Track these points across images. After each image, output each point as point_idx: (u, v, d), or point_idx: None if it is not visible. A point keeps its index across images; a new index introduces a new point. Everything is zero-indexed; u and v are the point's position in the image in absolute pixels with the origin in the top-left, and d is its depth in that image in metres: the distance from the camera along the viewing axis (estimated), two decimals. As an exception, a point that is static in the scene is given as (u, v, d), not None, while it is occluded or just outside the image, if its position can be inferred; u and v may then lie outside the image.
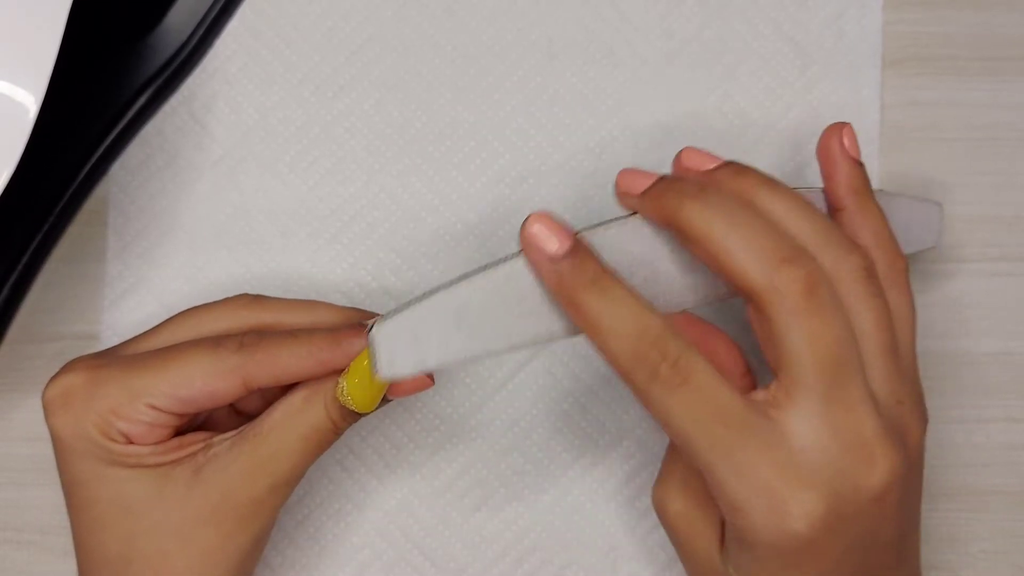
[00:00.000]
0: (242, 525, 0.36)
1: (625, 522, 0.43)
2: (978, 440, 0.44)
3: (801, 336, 0.31)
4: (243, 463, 0.36)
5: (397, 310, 0.33)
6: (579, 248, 0.33)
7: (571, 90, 0.44)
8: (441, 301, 0.33)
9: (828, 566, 0.32)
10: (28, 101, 0.37)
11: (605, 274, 0.32)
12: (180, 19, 0.43)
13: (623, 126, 0.44)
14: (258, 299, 0.38)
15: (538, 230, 0.33)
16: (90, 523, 0.36)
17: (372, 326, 0.34)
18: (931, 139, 0.44)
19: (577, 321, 0.33)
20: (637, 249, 0.34)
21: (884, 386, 0.32)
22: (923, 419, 0.34)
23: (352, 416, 0.36)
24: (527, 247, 0.33)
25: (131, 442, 0.36)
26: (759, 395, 0.32)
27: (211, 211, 0.44)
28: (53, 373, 0.43)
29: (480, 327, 0.33)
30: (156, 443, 0.36)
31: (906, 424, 0.33)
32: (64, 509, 0.37)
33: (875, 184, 0.43)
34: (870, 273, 0.33)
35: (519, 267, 0.33)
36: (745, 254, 0.31)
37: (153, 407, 0.35)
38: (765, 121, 0.44)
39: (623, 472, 0.43)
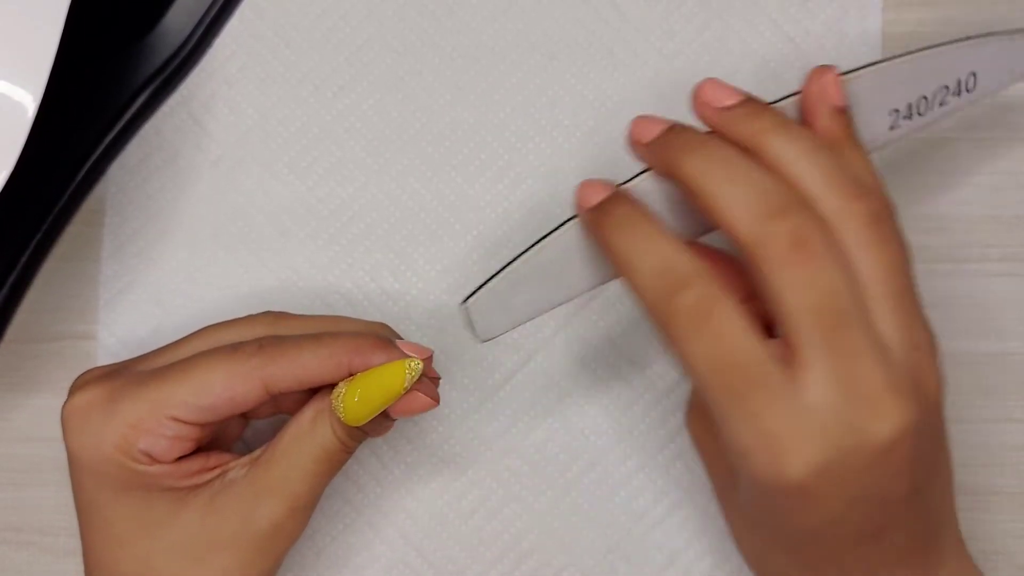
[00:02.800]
0: (261, 552, 0.36)
1: (623, 524, 0.43)
2: (978, 440, 0.43)
3: (790, 289, 0.31)
4: (257, 489, 0.36)
5: (483, 283, 0.35)
6: (612, 195, 0.34)
7: (571, 91, 0.44)
8: (519, 268, 0.35)
9: (830, 516, 0.31)
10: (27, 100, 0.37)
11: (634, 213, 0.33)
12: (179, 19, 0.43)
13: (623, 127, 0.44)
14: (281, 316, 0.38)
15: (582, 188, 0.34)
16: (106, 541, 0.36)
17: (464, 300, 0.35)
18: (931, 139, 0.44)
19: (611, 261, 0.33)
20: (661, 196, 0.35)
21: (897, 332, 0.31)
22: (938, 365, 0.33)
23: (358, 435, 0.36)
24: (576, 205, 0.35)
25: (154, 460, 0.35)
26: (776, 343, 0.31)
27: (209, 211, 0.44)
28: (52, 373, 0.43)
29: (552, 282, 0.36)
30: (178, 459, 0.36)
31: (924, 371, 0.32)
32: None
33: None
34: (877, 218, 0.32)
35: (573, 228, 0.35)
36: (735, 208, 0.31)
37: (175, 419, 0.35)
38: (765, 122, 0.44)
39: (620, 474, 0.43)
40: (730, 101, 0.34)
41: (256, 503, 0.36)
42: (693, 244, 0.35)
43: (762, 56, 0.44)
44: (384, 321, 0.43)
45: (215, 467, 0.37)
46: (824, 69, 0.36)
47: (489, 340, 0.36)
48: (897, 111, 0.37)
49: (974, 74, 0.38)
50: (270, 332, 0.37)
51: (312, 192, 0.44)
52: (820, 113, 0.35)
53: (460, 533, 0.43)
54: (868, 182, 0.34)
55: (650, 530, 0.43)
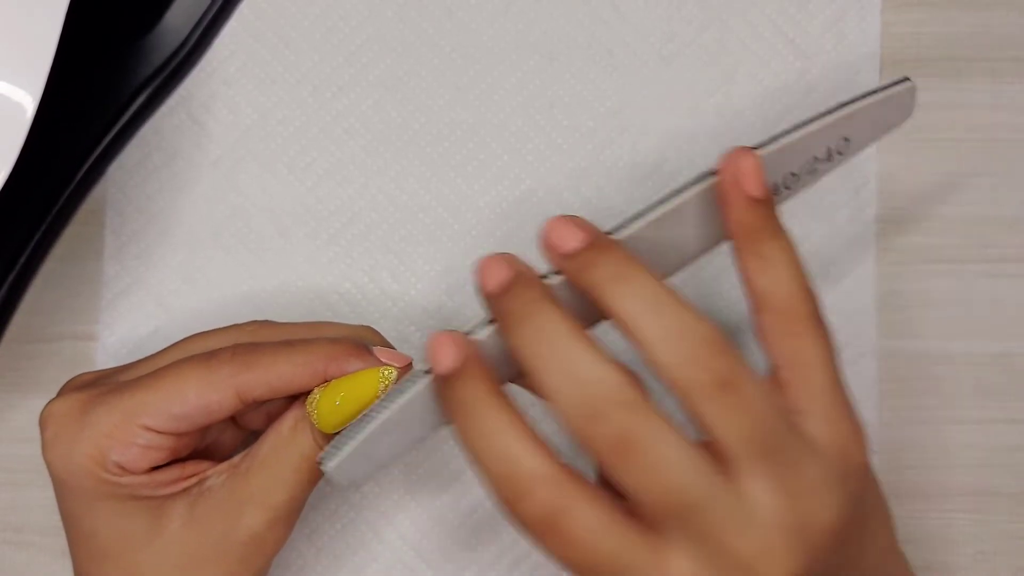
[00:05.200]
0: (244, 563, 0.35)
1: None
2: (977, 441, 0.43)
3: (631, 488, 0.30)
4: (238, 499, 0.35)
5: (342, 440, 0.33)
6: (466, 371, 0.31)
7: (570, 92, 0.44)
8: (381, 424, 0.33)
9: None
10: (26, 101, 0.37)
11: (485, 399, 0.31)
12: (179, 19, 0.43)
13: (622, 128, 0.44)
14: (266, 324, 0.38)
15: (437, 342, 0.31)
16: (92, 554, 0.36)
17: (322, 461, 0.33)
18: (931, 140, 0.44)
19: (462, 442, 0.32)
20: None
21: (765, 494, 0.30)
22: (840, 480, 0.31)
23: None
24: (429, 357, 0.32)
25: (127, 471, 0.35)
26: (639, 525, 0.30)
27: (209, 211, 0.44)
28: (51, 373, 0.43)
29: (415, 425, 0.34)
30: (152, 469, 0.35)
31: (804, 518, 0.30)
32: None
33: (872, 184, 0.44)
34: (722, 383, 0.30)
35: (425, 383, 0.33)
36: (558, 400, 0.30)
37: (147, 428, 0.34)
38: (764, 124, 0.44)
39: (621, 474, 0.43)
40: (571, 245, 0.31)
41: (236, 514, 0.35)
42: None
43: (761, 58, 0.44)
44: (383, 321, 0.43)
45: (192, 474, 0.36)
46: (740, 152, 0.33)
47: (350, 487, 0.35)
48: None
49: (846, 139, 0.36)
50: (252, 340, 0.37)
51: (311, 192, 0.44)
52: (735, 205, 0.32)
53: (458, 533, 0.43)
54: (783, 283, 0.32)
55: (649, 531, 0.43)
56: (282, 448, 0.35)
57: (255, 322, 0.38)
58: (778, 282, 0.32)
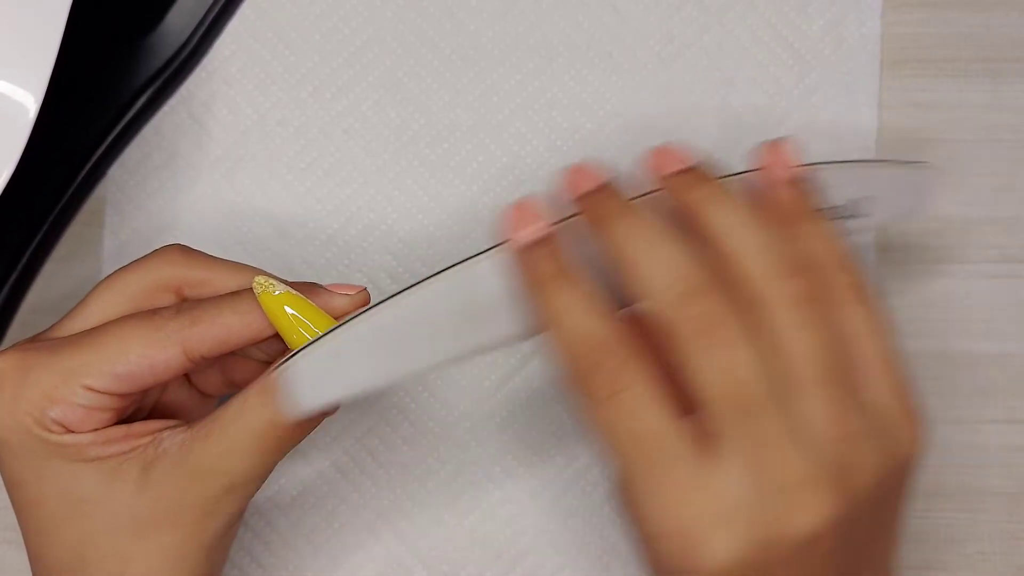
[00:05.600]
0: (201, 524, 0.34)
1: (619, 525, 0.43)
2: (977, 441, 0.43)
3: (701, 373, 0.30)
4: (194, 463, 0.33)
5: (316, 339, 0.32)
6: (550, 239, 0.32)
7: (569, 94, 0.44)
8: (364, 323, 0.32)
9: None
10: (28, 101, 0.37)
11: (565, 270, 0.32)
12: (180, 20, 0.43)
13: (621, 130, 0.44)
14: (188, 251, 0.36)
15: (515, 213, 0.33)
16: (38, 524, 0.34)
17: (284, 362, 0.32)
18: (931, 141, 0.44)
19: (536, 309, 0.32)
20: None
21: (822, 421, 0.30)
22: (885, 452, 0.31)
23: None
24: (506, 229, 0.33)
25: (69, 431, 0.33)
26: (693, 423, 0.30)
27: (208, 211, 0.44)
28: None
29: (409, 344, 0.32)
30: (96, 429, 0.34)
31: (853, 461, 0.30)
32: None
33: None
34: (804, 299, 0.31)
35: (469, 274, 0.33)
36: (651, 285, 0.31)
37: (89, 388, 0.33)
38: (763, 127, 0.44)
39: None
40: (676, 167, 0.33)
41: (191, 479, 0.33)
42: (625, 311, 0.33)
43: (760, 60, 0.44)
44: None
45: (144, 433, 0.34)
46: (778, 142, 0.34)
47: (310, 412, 0.33)
48: None
49: (866, 199, 0.36)
50: (175, 271, 0.35)
51: (310, 193, 0.44)
52: (775, 186, 0.34)
53: (455, 534, 0.43)
54: (820, 259, 0.32)
55: (647, 532, 0.43)
56: (247, 412, 0.33)
57: (177, 245, 0.36)
58: (826, 254, 0.32)
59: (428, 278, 0.32)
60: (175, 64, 0.43)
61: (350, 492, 0.43)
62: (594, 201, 0.33)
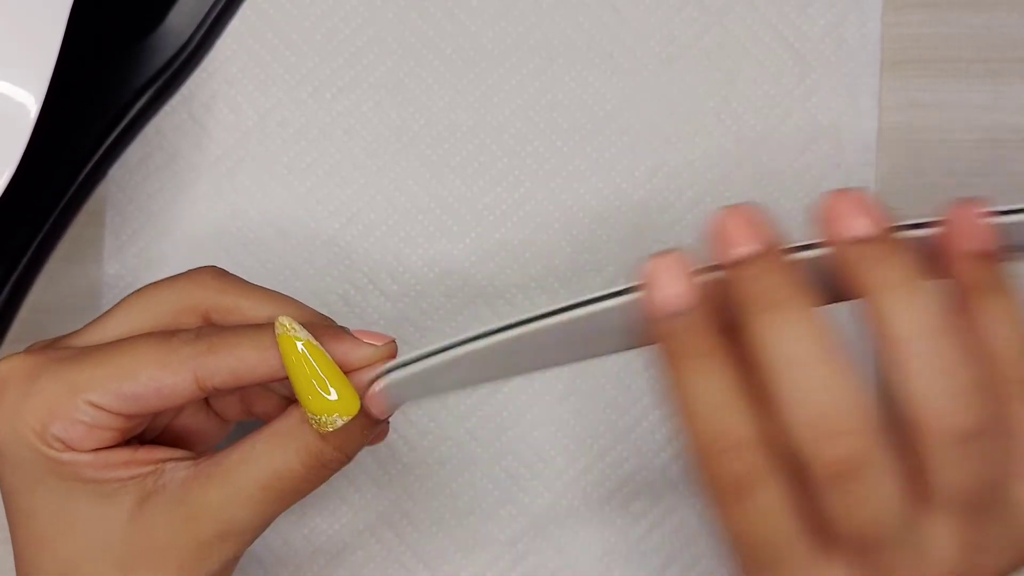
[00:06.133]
0: (190, 568, 0.32)
1: (619, 527, 0.43)
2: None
3: (835, 506, 0.28)
4: (191, 505, 0.32)
5: (415, 359, 0.31)
6: (690, 318, 0.28)
7: (570, 94, 0.44)
8: (475, 349, 0.30)
9: None
10: (29, 101, 0.37)
11: (708, 352, 0.28)
12: (181, 20, 0.43)
13: (621, 131, 0.44)
14: (222, 275, 0.35)
15: (657, 272, 0.28)
16: (28, 537, 0.33)
17: (379, 375, 0.31)
18: (931, 141, 0.44)
19: (670, 393, 0.29)
20: None
21: (952, 542, 0.28)
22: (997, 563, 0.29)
23: (333, 460, 0.33)
24: (648, 299, 0.29)
25: (69, 448, 0.32)
26: (819, 531, 0.28)
27: (209, 211, 0.44)
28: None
29: (504, 363, 0.31)
30: (97, 449, 0.32)
31: (977, 564, 0.29)
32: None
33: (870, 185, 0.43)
34: (975, 434, 0.27)
35: (593, 314, 0.29)
36: (795, 417, 0.27)
37: (93, 404, 0.32)
38: (763, 127, 0.44)
39: (617, 477, 0.43)
40: (856, 231, 0.28)
41: (187, 520, 0.32)
42: None
43: (761, 61, 0.44)
44: (381, 323, 0.43)
45: (146, 462, 0.33)
46: (970, 203, 0.29)
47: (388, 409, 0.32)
48: None
49: None
50: (206, 294, 0.34)
51: (311, 193, 0.44)
52: (960, 256, 0.29)
53: (456, 534, 0.43)
54: (1000, 350, 0.29)
55: (647, 533, 0.43)
56: (253, 461, 0.32)
57: (213, 268, 0.35)
58: (1003, 339, 0.29)
59: (548, 314, 0.29)
60: (176, 64, 0.43)
61: (351, 492, 0.43)
62: (751, 274, 0.28)
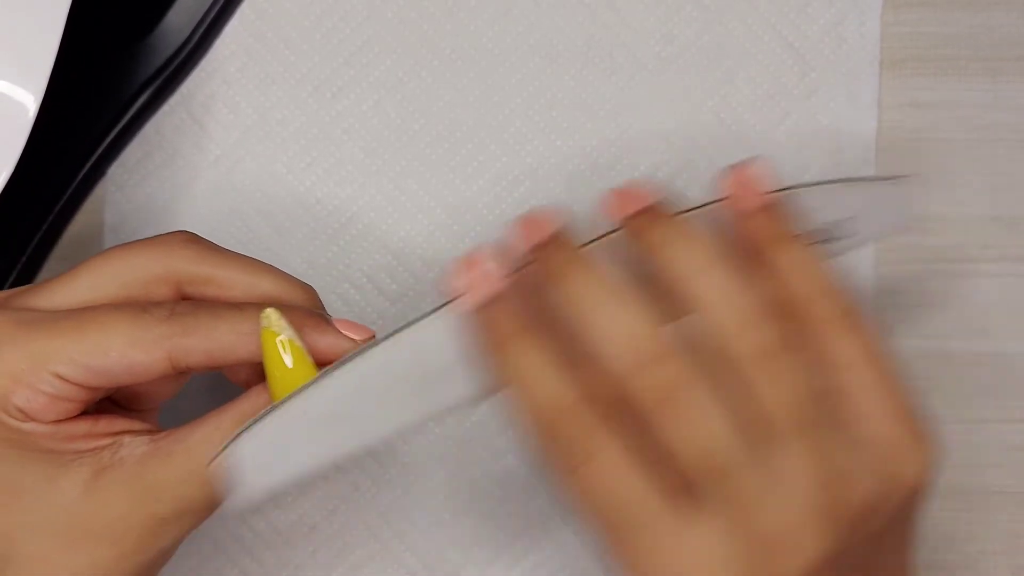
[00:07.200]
0: (141, 545, 0.32)
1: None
2: (977, 440, 0.43)
3: (670, 443, 0.29)
4: (149, 481, 0.31)
5: (257, 419, 0.30)
6: (507, 295, 0.31)
7: (569, 94, 0.44)
8: (314, 395, 0.30)
9: None
10: (27, 100, 0.37)
11: (524, 328, 0.30)
12: (180, 19, 0.43)
13: (620, 130, 0.44)
14: (196, 242, 0.34)
15: (467, 270, 0.31)
16: None
17: (225, 447, 0.30)
18: (931, 140, 0.44)
19: (497, 374, 0.31)
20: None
21: (801, 470, 0.29)
22: (883, 480, 0.30)
23: None
24: (450, 284, 0.31)
25: (29, 418, 0.31)
26: (670, 481, 0.29)
27: (208, 211, 0.44)
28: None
29: (362, 415, 0.31)
30: (58, 421, 0.32)
31: (837, 498, 0.29)
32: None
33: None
34: (775, 349, 0.29)
35: (416, 338, 0.31)
36: (605, 349, 0.29)
37: (59, 376, 0.31)
38: (763, 127, 0.44)
39: (619, 474, 0.43)
40: (635, 207, 0.31)
41: (143, 497, 0.31)
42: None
43: (760, 61, 0.44)
44: (380, 322, 0.43)
45: (105, 434, 0.32)
46: (743, 165, 0.32)
47: (246, 501, 0.31)
48: None
49: (851, 219, 0.35)
50: (180, 263, 0.33)
51: (310, 192, 0.44)
52: (744, 216, 0.32)
53: (455, 533, 0.43)
54: (800, 293, 0.31)
55: (647, 532, 0.43)
56: (218, 442, 0.31)
57: (185, 232, 0.34)
58: (807, 285, 0.31)
59: (371, 346, 0.31)
60: (175, 64, 0.43)
61: (350, 491, 0.43)
62: (546, 254, 0.31)
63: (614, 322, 0.29)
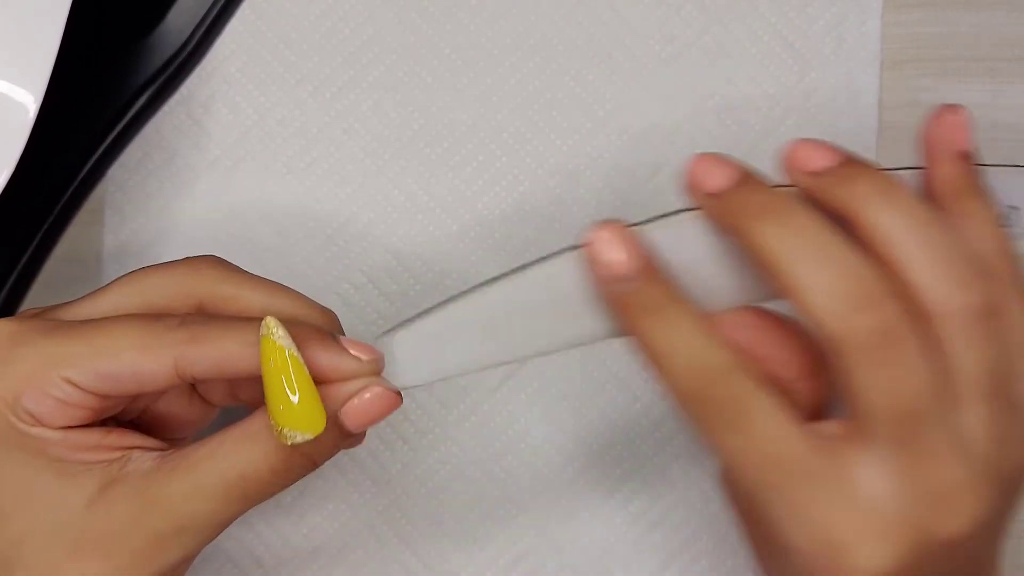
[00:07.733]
0: (143, 559, 0.32)
1: (618, 526, 0.43)
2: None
3: (874, 388, 0.29)
4: (153, 495, 0.31)
5: (418, 316, 0.32)
6: (648, 270, 0.30)
7: (569, 94, 0.44)
8: (468, 305, 0.32)
9: None
10: (28, 101, 0.37)
11: (672, 302, 0.30)
12: (180, 19, 0.43)
13: (620, 130, 0.44)
14: (221, 265, 0.34)
15: (604, 241, 0.31)
16: None
17: (386, 332, 0.32)
18: (930, 140, 0.44)
19: (637, 345, 0.31)
20: (698, 249, 0.32)
21: (983, 430, 0.29)
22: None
23: (300, 467, 0.32)
24: (590, 259, 0.31)
25: (39, 422, 0.32)
26: (829, 428, 0.30)
27: (207, 211, 0.44)
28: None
29: (509, 332, 0.32)
30: (68, 427, 0.32)
31: (1005, 458, 0.30)
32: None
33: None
34: (980, 314, 0.29)
35: (558, 269, 0.32)
36: (817, 295, 0.28)
37: (68, 380, 0.31)
38: (763, 127, 0.44)
39: (616, 476, 0.43)
40: (824, 163, 0.30)
41: (146, 510, 0.31)
42: (742, 313, 0.32)
43: (760, 61, 0.44)
44: (380, 322, 0.43)
45: (115, 447, 0.32)
46: (948, 108, 0.31)
47: (406, 387, 0.32)
48: None
49: (1016, 208, 0.33)
50: (204, 283, 0.34)
51: (310, 192, 0.44)
52: (941, 159, 0.31)
53: (455, 534, 0.43)
54: (990, 256, 0.30)
55: (646, 532, 0.43)
56: (221, 457, 0.31)
57: (213, 256, 0.35)
58: (987, 238, 0.30)
59: (519, 268, 0.32)
60: (175, 64, 0.43)
61: (350, 491, 0.43)
62: (732, 201, 0.30)
63: (827, 262, 0.29)
